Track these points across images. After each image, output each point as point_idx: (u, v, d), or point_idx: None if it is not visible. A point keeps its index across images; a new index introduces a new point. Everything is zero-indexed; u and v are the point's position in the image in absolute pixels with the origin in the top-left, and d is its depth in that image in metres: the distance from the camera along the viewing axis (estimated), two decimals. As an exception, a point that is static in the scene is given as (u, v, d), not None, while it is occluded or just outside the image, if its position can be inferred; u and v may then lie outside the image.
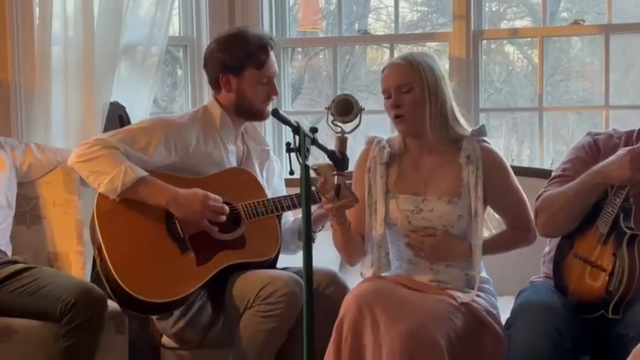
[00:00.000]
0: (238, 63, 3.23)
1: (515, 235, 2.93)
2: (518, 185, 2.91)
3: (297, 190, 3.13)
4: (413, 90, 2.81)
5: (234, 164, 3.29)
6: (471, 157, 2.82)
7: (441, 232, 2.82)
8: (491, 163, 2.85)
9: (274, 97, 3.31)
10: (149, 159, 3.13)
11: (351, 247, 2.90)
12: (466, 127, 2.89)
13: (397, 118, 2.82)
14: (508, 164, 2.93)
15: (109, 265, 3.00)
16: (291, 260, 3.28)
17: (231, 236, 3.13)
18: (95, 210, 3.09)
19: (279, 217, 3.22)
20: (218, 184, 3.17)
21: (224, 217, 3.09)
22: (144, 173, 3.06)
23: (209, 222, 3.07)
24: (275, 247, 3.18)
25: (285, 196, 3.22)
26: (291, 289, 2.95)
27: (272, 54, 3.28)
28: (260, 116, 3.32)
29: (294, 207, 3.20)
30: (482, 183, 2.80)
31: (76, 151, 3.14)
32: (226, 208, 3.10)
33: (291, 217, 3.41)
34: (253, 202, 3.17)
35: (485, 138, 2.91)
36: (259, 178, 3.31)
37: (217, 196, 3.09)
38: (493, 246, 2.88)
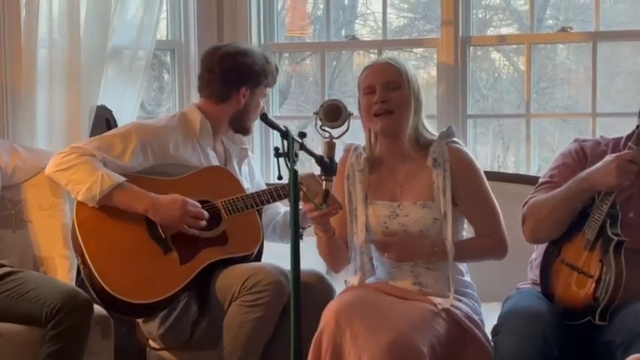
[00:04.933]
0: (260, 77, 3.28)
1: (483, 244, 2.88)
2: (489, 192, 2.88)
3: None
4: (400, 88, 2.81)
5: None
6: (438, 159, 2.82)
7: (400, 232, 2.82)
8: (459, 164, 2.84)
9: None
10: (126, 164, 3.14)
11: (336, 254, 2.90)
12: (433, 132, 2.90)
13: (383, 114, 2.81)
14: (478, 166, 2.90)
15: (94, 271, 3.00)
16: (277, 262, 3.27)
17: (213, 233, 3.14)
18: (75, 218, 3.09)
19: (259, 212, 3.23)
20: (195, 184, 3.18)
21: (204, 223, 3.09)
22: (121, 179, 3.06)
23: (188, 226, 3.07)
24: (257, 240, 3.18)
25: (263, 190, 3.23)
26: (277, 278, 2.95)
27: None
28: (248, 132, 3.39)
29: (273, 200, 3.21)
30: (451, 184, 2.80)
31: (52, 161, 3.13)
32: (205, 213, 3.10)
33: (282, 210, 3.42)
34: (232, 198, 3.17)
35: (455, 139, 2.90)
36: (237, 176, 3.31)
37: (196, 202, 3.09)
38: (460, 252, 2.82)
